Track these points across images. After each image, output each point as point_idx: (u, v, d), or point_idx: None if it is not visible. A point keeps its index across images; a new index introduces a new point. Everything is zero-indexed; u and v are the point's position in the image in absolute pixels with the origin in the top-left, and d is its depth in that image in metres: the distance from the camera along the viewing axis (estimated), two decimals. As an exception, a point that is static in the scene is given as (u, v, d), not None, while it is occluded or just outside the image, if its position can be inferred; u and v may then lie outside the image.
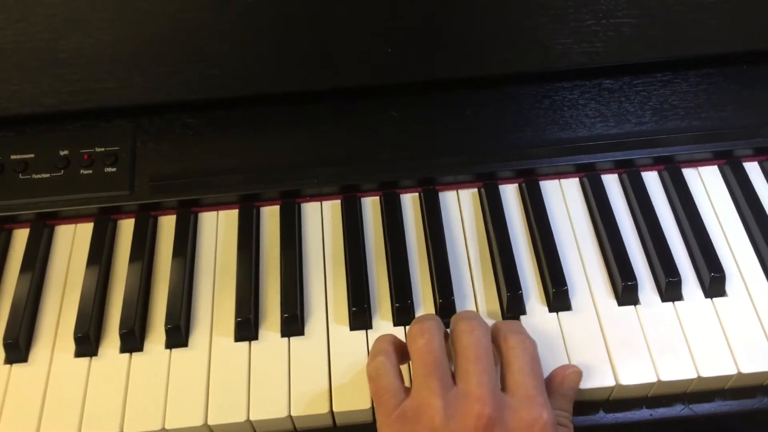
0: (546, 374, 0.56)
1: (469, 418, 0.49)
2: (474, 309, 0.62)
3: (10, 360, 0.61)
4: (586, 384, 0.57)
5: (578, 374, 0.57)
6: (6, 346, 0.60)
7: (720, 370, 0.58)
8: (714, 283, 0.61)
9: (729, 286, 0.62)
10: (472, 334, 0.53)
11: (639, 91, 0.70)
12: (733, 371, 0.57)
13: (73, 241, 0.68)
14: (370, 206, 0.69)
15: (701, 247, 0.63)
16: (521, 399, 0.51)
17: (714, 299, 0.61)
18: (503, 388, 0.53)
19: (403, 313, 0.61)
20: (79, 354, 0.61)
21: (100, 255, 0.65)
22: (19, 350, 0.60)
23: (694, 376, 0.57)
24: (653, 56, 0.69)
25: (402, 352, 0.56)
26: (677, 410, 0.59)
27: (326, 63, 0.68)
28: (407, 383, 0.55)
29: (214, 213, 0.69)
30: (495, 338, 0.55)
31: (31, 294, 0.64)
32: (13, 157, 0.68)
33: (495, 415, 0.49)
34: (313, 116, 0.70)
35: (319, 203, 0.69)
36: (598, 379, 0.57)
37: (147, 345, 0.61)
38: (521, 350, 0.53)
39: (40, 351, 0.61)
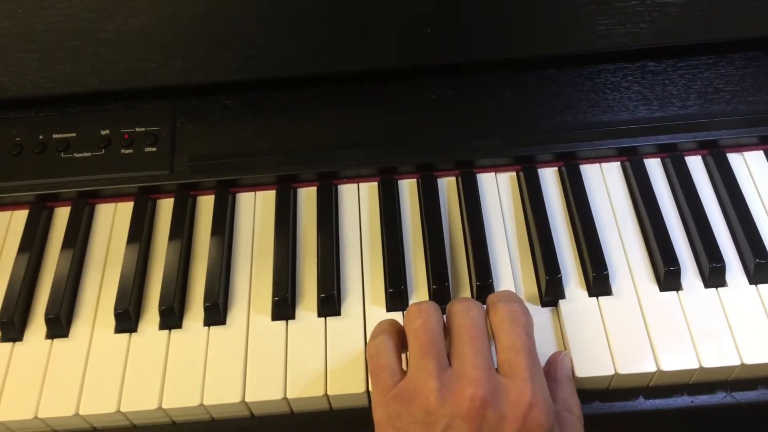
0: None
1: (462, 400, 0.48)
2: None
3: (51, 335, 0.62)
4: (627, 369, 0.56)
5: (569, 357, 0.57)
6: (48, 321, 0.61)
7: (764, 358, 0.56)
8: (759, 269, 0.60)
9: (774, 273, 0.61)
10: (467, 315, 0.53)
11: (683, 74, 0.69)
12: (778, 358, 0.56)
13: (113, 220, 0.68)
14: (407, 188, 0.69)
15: (746, 232, 0.62)
16: (514, 380, 0.50)
17: (758, 285, 0.60)
18: (497, 365, 0.52)
19: (440, 295, 0.61)
20: (119, 330, 0.62)
21: (140, 233, 0.66)
22: (60, 325, 0.61)
23: (737, 363, 0.56)
24: (699, 38, 0.67)
25: (404, 336, 0.55)
26: (719, 398, 0.58)
27: (364, 44, 0.68)
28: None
29: (252, 193, 0.69)
30: (488, 310, 0.54)
31: (72, 271, 0.64)
32: (55, 136, 0.69)
33: (488, 397, 0.48)
34: (351, 98, 0.70)
35: (356, 185, 0.69)
36: (638, 364, 0.57)
37: (186, 322, 0.62)
38: (511, 323, 0.52)
39: (80, 326, 0.62)
